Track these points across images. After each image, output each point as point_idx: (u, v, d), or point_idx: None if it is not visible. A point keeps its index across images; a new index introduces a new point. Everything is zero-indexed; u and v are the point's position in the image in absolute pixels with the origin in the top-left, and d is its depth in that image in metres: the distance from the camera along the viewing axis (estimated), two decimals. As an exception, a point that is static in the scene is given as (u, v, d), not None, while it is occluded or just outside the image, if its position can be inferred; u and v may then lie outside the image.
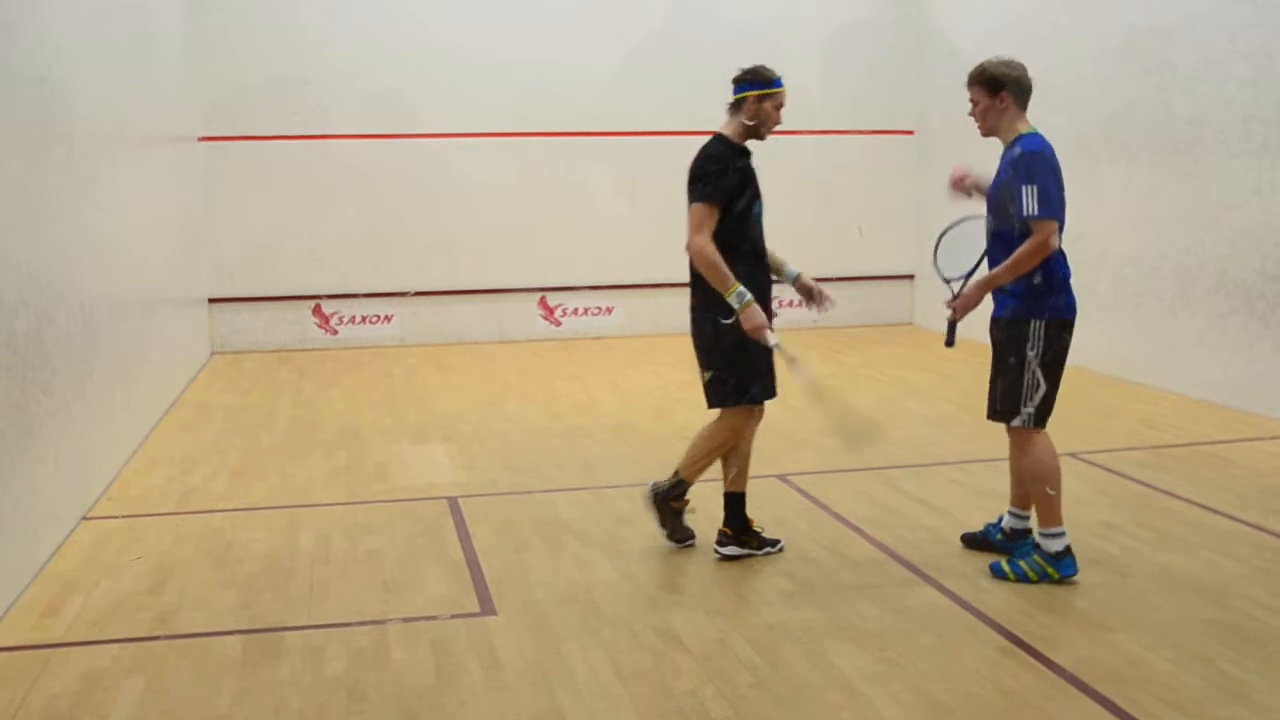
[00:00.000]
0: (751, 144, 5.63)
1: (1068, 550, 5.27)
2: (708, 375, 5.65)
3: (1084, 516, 6.05)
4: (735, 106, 5.64)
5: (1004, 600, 5.10)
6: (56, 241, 6.20)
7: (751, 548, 5.72)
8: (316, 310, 12.29)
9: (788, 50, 12.75)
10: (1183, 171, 9.15)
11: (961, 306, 5.37)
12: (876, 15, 13.00)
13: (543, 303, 12.75)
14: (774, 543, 5.80)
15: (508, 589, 5.32)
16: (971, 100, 5.34)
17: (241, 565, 5.69)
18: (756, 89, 5.57)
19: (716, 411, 5.73)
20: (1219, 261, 8.80)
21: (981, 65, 5.31)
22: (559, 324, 12.79)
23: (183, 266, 10.63)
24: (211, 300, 11.96)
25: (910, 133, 12.99)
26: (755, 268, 5.56)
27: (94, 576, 5.54)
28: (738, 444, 5.75)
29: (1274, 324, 8.41)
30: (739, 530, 5.74)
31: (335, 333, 12.32)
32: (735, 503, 5.75)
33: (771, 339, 5.43)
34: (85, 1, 7.17)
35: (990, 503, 6.39)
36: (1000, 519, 5.68)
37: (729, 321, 5.44)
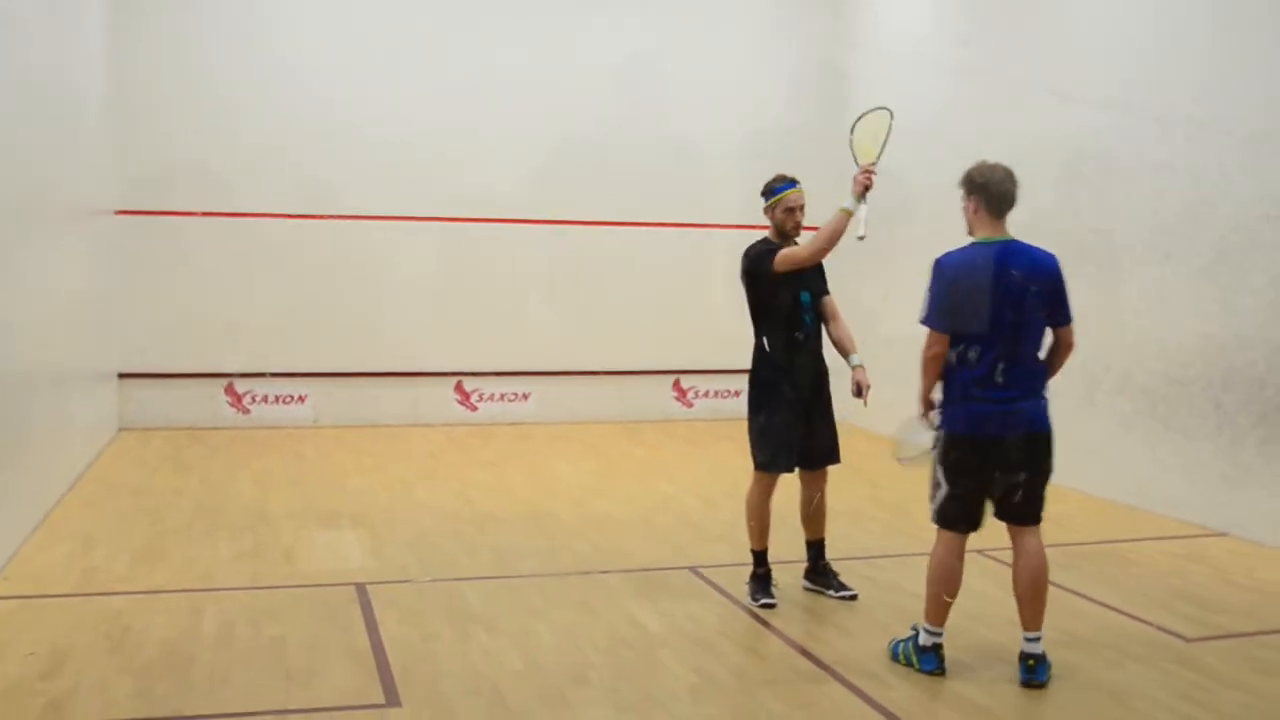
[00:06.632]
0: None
1: (936, 648, 5.40)
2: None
3: (992, 613, 6.12)
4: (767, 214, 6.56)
5: (910, 698, 5.13)
6: (-37, 314, 6.09)
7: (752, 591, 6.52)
8: (229, 389, 12.14)
9: (711, 151, 13.05)
10: (1089, 278, 9.38)
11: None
12: (799, 123, 13.12)
13: (459, 387, 12.71)
14: (770, 603, 6.40)
15: (414, 679, 5.24)
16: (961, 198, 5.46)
17: (140, 651, 5.55)
18: (766, 200, 6.54)
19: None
20: (1123, 365, 9.02)
21: (969, 167, 5.41)
22: (475, 409, 12.75)
23: (93, 340, 10.47)
24: (121, 375, 11.76)
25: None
26: (799, 348, 6.43)
27: (-15, 660, 5.37)
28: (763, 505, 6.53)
29: (1175, 426, 8.63)
30: (753, 577, 6.54)
31: (247, 412, 12.17)
32: (754, 556, 6.57)
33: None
34: (3, 74, 7.12)
35: (898, 599, 6.45)
36: None
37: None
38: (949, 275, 5.29)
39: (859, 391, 6.41)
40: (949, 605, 5.41)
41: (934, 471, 5.40)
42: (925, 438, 5.58)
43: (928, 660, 5.39)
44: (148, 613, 6.12)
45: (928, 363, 5.34)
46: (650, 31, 13.01)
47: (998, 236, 5.35)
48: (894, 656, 5.54)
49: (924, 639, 5.42)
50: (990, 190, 5.32)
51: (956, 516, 5.37)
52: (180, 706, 4.91)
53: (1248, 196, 8.15)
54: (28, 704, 4.89)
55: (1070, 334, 5.44)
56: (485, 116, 12.51)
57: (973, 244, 5.37)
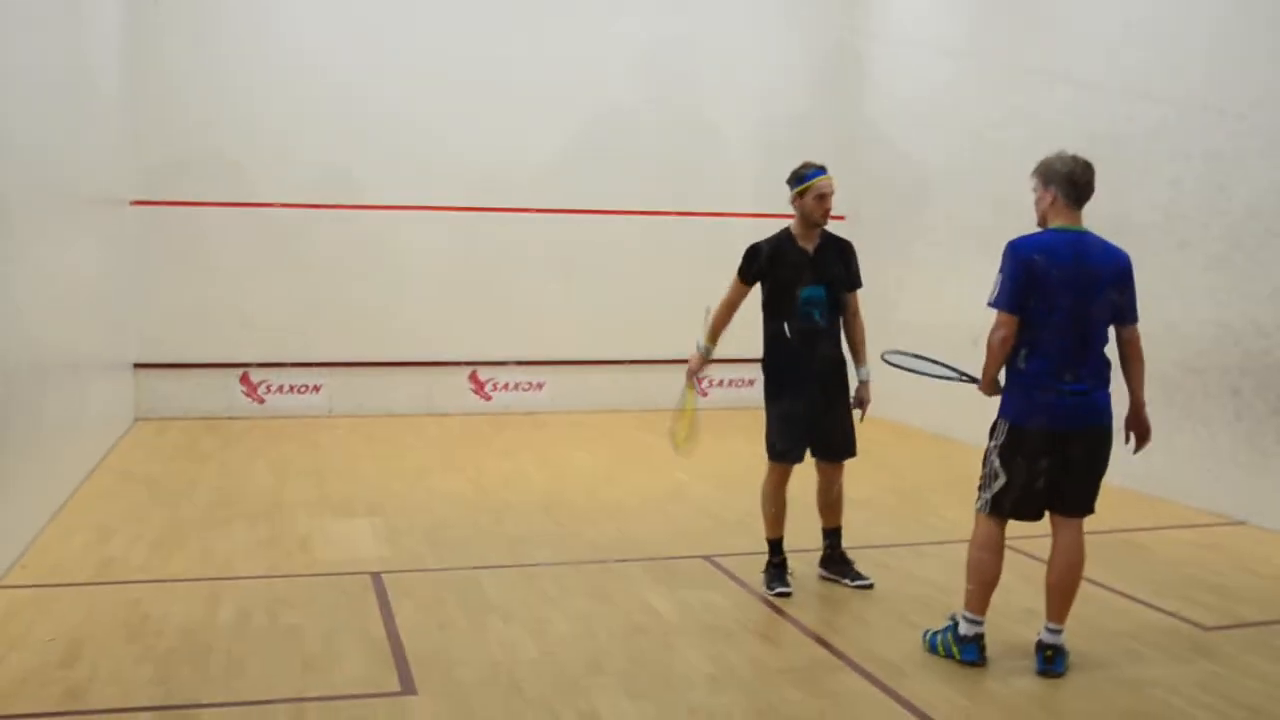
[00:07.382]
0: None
1: (977, 638, 5.35)
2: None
3: (1008, 603, 6.09)
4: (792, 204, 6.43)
5: (927, 687, 5.11)
6: (-20, 304, 6.10)
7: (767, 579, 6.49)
8: (244, 379, 12.16)
9: (726, 138, 13.05)
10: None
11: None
12: (813, 110, 13.24)
13: (473, 377, 12.72)
14: (786, 592, 6.35)
15: (429, 668, 5.25)
16: (1033, 188, 5.38)
17: (158, 639, 5.57)
18: (794, 187, 6.38)
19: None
20: (1140, 353, 8.96)
21: (1046, 157, 5.33)
22: (489, 398, 12.76)
23: (110, 330, 10.50)
24: (137, 365, 11.80)
25: (842, 218, 13.18)
26: (796, 341, 6.38)
27: (3, 648, 5.39)
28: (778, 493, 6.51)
29: (1193, 415, 8.59)
30: (769, 566, 6.52)
31: (262, 401, 12.20)
32: (769, 545, 6.55)
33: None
34: (23, 62, 7.13)
35: (914, 588, 6.44)
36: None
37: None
38: (1022, 258, 5.19)
39: (859, 405, 6.56)
40: (989, 594, 5.37)
41: (989, 464, 5.34)
42: (928, 368, 5.75)
43: (969, 650, 5.34)
44: (165, 601, 6.14)
45: (995, 346, 5.24)
46: (664, 17, 12.98)
47: (1074, 226, 5.26)
48: (932, 648, 5.47)
49: (965, 629, 5.37)
50: (1071, 180, 5.24)
51: (1011, 506, 5.32)
52: (197, 694, 4.92)
53: (1265, 183, 8.10)
54: (46, 691, 4.92)
55: (1136, 334, 5.36)
56: (500, 104, 12.48)
57: (1047, 230, 5.28)
